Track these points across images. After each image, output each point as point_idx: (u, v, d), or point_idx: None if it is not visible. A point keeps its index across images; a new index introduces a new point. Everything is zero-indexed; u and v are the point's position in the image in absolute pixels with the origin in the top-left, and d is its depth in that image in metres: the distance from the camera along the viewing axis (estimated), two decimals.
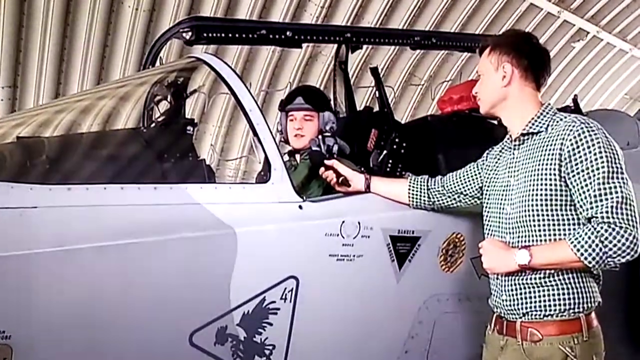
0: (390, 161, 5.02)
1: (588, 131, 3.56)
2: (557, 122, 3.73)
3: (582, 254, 3.47)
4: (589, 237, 3.46)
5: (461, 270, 4.53)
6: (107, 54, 12.19)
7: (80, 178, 3.96)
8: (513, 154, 3.90)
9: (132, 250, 3.61)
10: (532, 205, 3.66)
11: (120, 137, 4.81)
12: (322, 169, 4.49)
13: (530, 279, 3.69)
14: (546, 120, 3.78)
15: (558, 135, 3.64)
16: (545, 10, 15.21)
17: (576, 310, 3.63)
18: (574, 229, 3.60)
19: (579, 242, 3.48)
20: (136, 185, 3.76)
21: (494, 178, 4.02)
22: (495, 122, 5.05)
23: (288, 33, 5.25)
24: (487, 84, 3.95)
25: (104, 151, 4.45)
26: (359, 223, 4.18)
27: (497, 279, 3.86)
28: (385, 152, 5.05)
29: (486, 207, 4.04)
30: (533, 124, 3.80)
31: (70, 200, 3.54)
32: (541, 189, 3.63)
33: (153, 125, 5.04)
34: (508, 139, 4.00)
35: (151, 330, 3.68)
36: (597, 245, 3.44)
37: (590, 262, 3.48)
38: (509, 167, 3.89)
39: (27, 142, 4.31)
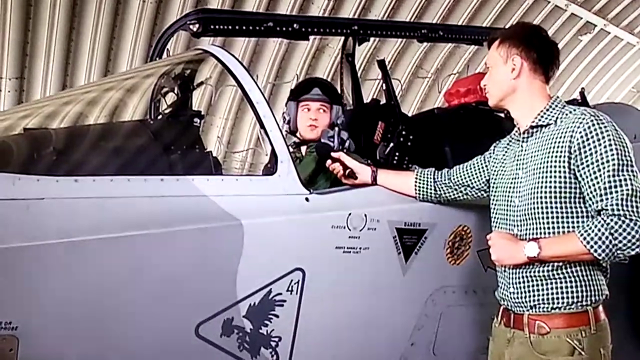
0: (397, 154, 5.02)
1: (598, 124, 3.56)
2: (566, 114, 3.72)
3: (591, 247, 3.47)
4: (599, 230, 3.45)
5: (468, 263, 4.53)
6: (115, 45, 12.22)
7: (87, 170, 3.95)
8: (521, 146, 3.89)
9: (138, 242, 3.62)
10: (541, 197, 3.65)
11: (127, 129, 4.81)
12: (329, 162, 4.49)
13: (538, 271, 3.68)
14: (555, 113, 3.77)
15: (567, 127, 3.63)
16: (553, 3, 15.17)
17: (584, 303, 3.63)
18: (583, 222, 3.59)
19: (588, 235, 3.48)
20: (143, 177, 3.77)
21: (502, 171, 4.01)
22: (503, 114, 5.05)
23: (295, 25, 5.25)
24: (496, 76, 3.95)
25: (110, 143, 4.45)
26: (365, 215, 4.18)
27: (505, 271, 3.85)
28: (392, 144, 5.04)
29: (493, 199, 4.04)
30: (542, 117, 3.79)
31: (77, 192, 3.55)
32: (550, 182, 3.62)
33: (160, 117, 5.04)
34: (516, 131, 3.99)
35: (157, 321, 3.69)
36: (607, 237, 3.44)
37: (600, 255, 3.48)
38: (517, 160, 3.88)
39: (34, 134, 4.32)
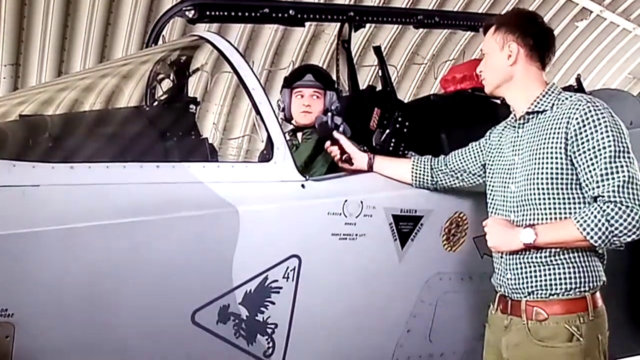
0: (393, 140, 5.01)
1: (594, 110, 3.56)
2: (563, 101, 3.73)
3: (587, 233, 3.47)
4: (595, 216, 3.45)
5: (464, 250, 4.53)
6: (110, 32, 12.20)
7: (82, 156, 3.96)
8: (517, 132, 3.88)
9: (134, 229, 3.63)
10: (538, 183, 3.65)
11: (123, 116, 4.81)
12: (328, 143, 4.49)
13: (536, 257, 3.68)
14: (551, 100, 3.77)
15: (564, 113, 3.63)
16: None
17: (582, 289, 3.63)
18: (580, 208, 3.59)
19: (584, 221, 3.47)
20: (139, 164, 3.77)
21: (498, 157, 4.01)
22: (499, 101, 5.05)
23: (291, 11, 5.22)
24: (492, 63, 3.94)
25: (106, 129, 4.45)
26: (361, 202, 4.18)
27: (502, 257, 3.84)
28: (388, 131, 5.03)
29: (490, 186, 4.03)
30: (538, 103, 3.79)
31: (73, 179, 3.56)
32: (547, 167, 3.63)
33: (156, 103, 5.04)
34: (512, 118, 3.99)
35: (153, 308, 3.70)
36: (602, 224, 3.44)
37: (596, 241, 3.47)
38: (513, 146, 3.88)
39: (29, 121, 4.32)
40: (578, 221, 3.50)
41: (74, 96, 4.81)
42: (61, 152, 4.04)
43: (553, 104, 3.75)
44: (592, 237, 3.47)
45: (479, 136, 4.27)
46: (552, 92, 3.81)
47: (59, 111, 4.66)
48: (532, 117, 3.81)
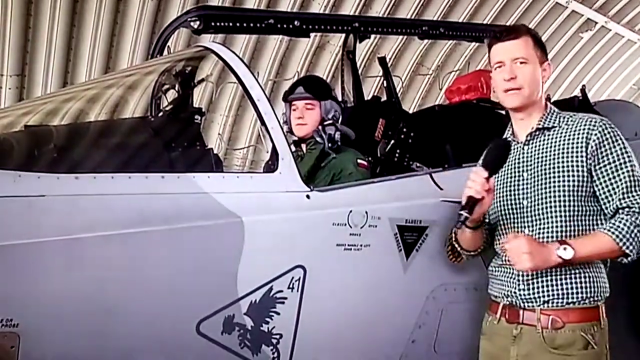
0: (398, 151, 5.02)
1: (610, 127, 3.70)
2: (569, 118, 3.83)
3: (624, 243, 3.56)
4: (629, 227, 3.56)
5: (469, 261, 4.52)
6: (115, 42, 12.22)
7: (88, 167, 3.96)
8: (523, 150, 3.89)
9: (139, 239, 3.62)
10: (557, 196, 3.69)
11: (128, 126, 4.81)
12: (480, 171, 3.80)
13: (553, 268, 3.68)
14: (555, 117, 3.86)
15: (581, 130, 3.72)
16: (554, 0, 15.18)
17: (596, 298, 3.69)
18: (597, 220, 3.70)
19: (620, 232, 3.56)
20: (144, 174, 3.77)
21: (499, 177, 3.96)
22: (503, 111, 5.05)
23: (296, 22, 5.24)
24: (535, 74, 3.86)
25: (111, 140, 4.45)
26: (366, 213, 4.17)
27: (510, 268, 3.81)
28: (392, 141, 5.05)
29: (497, 206, 3.99)
30: (545, 120, 3.84)
31: (78, 189, 3.55)
32: (566, 180, 3.68)
33: (161, 114, 5.04)
34: (510, 135, 3.98)
35: (158, 319, 3.69)
36: (636, 234, 3.56)
37: (631, 251, 3.58)
38: (520, 163, 3.89)
39: (34, 131, 4.32)
40: (613, 232, 3.58)
41: (79, 107, 4.81)
42: (66, 163, 4.04)
43: (559, 121, 3.83)
44: (627, 247, 3.57)
45: (483, 146, 4.26)
46: (554, 111, 3.91)
47: (64, 122, 4.67)
48: (538, 135, 3.85)
